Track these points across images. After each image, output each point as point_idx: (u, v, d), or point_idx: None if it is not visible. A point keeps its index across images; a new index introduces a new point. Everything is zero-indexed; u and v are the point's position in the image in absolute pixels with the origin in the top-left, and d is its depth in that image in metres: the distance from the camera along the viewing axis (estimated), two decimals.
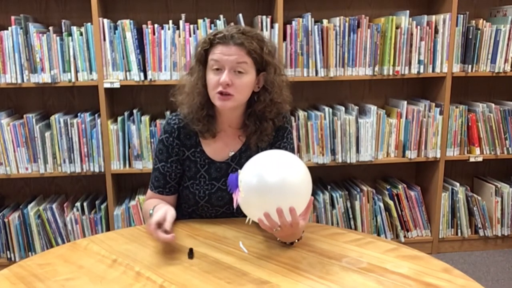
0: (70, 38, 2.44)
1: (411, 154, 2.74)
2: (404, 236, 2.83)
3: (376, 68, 2.62)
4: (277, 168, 1.21)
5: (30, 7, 2.64)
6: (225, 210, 1.56)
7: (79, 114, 2.55)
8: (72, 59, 2.45)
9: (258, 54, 1.43)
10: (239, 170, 1.27)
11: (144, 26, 2.47)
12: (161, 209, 1.37)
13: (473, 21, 2.69)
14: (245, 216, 1.30)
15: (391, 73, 2.64)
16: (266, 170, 1.21)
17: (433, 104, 2.72)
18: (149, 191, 1.59)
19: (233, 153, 1.54)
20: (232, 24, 2.50)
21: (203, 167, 1.53)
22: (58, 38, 2.43)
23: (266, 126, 1.51)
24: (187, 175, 1.55)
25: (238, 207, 1.28)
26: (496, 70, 2.70)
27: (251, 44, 1.41)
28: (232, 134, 1.54)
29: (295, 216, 1.22)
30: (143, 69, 2.50)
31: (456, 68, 2.68)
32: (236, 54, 1.40)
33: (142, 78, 2.50)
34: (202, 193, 1.53)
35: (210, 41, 1.43)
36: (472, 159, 2.78)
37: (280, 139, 1.57)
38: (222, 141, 1.54)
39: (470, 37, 2.65)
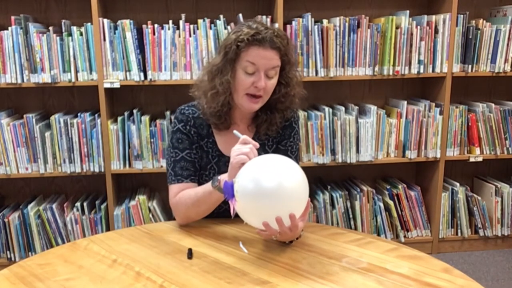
0: (70, 38, 2.44)
1: (411, 154, 2.74)
2: (404, 236, 2.83)
3: (376, 68, 2.62)
4: (273, 173, 1.21)
5: (30, 7, 2.64)
6: (228, 208, 1.56)
7: (79, 114, 2.55)
8: (72, 59, 2.45)
9: (286, 56, 1.47)
10: (234, 179, 1.25)
11: (144, 26, 2.47)
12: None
13: (473, 21, 2.69)
14: None
15: (391, 73, 2.64)
16: (262, 175, 1.20)
17: (433, 104, 2.72)
18: (175, 186, 1.52)
19: None
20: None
21: (214, 159, 1.55)
22: (58, 38, 2.43)
23: (276, 116, 1.54)
24: (200, 165, 1.57)
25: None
26: (496, 70, 2.70)
27: (284, 48, 1.45)
28: (243, 127, 1.57)
29: (295, 221, 1.22)
30: (143, 69, 2.50)
31: (456, 68, 2.68)
32: (272, 58, 1.42)
33: (142, 78, 2.50)
34: None
35: (248, 41, 1.42)
36: (472, 159, 2.78)
37: (287, 137, 1.61)
38: (233, 136, 1.54)
39: (470, 37, 2.65)
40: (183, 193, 1.49)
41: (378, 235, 2.78)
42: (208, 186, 1.43)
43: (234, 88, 1.47)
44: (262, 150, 1.57)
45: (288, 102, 1.54)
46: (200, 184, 1.56)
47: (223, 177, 1.37)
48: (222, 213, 1.56)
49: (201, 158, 1.56)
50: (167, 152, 1.58)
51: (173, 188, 1.53)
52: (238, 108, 1.54)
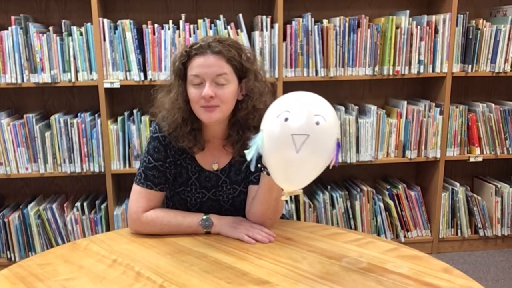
0: (70, 38, 2.44)
1: (411, 154, 2.74)
2: (404, 236, 2.83)
3: (376, 68, 2.62)
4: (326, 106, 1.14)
5: (30, 7, 2.64)
6: (228, 208, 1.56)
7: (79, 114, 2.55)
8: (72, 59, 2.45)
9: (237, 61, 1.39)
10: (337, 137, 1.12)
11: (144, 26, 2.47)
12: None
13: (473, 21, 2.69)
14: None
15: (391, 73, 2.64)
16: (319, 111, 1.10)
17: (433, 104, 2.72)
18: (143, 191, 1.46)
19: (217, 165, 1.51)
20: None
21: (194, 174, 1.51)
22: (58, 38, 2.43)
23: (249, 135, 1.41)
24: (179, 181, 1.52)
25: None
26: (496, 70, 2.70)
27: (229, 52, 1.37)
28: (218, 144, 1.50)
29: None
30: (143, 69, 2.50)
31: (456, 68, 2.68)
32: (215, 65, 1.36)
33: (142, 78, 2.50)
34: (194, 200, 1.52)
35: (187, 53, 1.38)
36: (472, 159, 2.78)
37: None
38: (209, 151, 1.50)
39: (470, 37, 2.65)
40: (158, 217, 1.44)
41: (378, 235, 2.78)
42: (194, 222, 1.43)
43: (191, 104, 1.41)
44: (244, 167, 1.51)
45: (258, 115, 1.39)
46: (177, 197, 1.54)
47: (216, 222, 1.42)
48: (224, 213, 1.56)
49: (181, 174, 1.51)
50: (142, 154, 1.53)
51: (141, 193, 1.46)
52: (209, 128, 1.47)
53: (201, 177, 1.51)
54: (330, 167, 1.12)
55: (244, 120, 1.45)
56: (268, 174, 1.29)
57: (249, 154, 1.14)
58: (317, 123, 1.07)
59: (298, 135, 1.05)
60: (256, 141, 1.13)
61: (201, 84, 1.37)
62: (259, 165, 1.30)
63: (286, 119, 1.07)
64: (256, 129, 1.40)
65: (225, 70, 1.37)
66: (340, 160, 2.67)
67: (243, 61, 1.41)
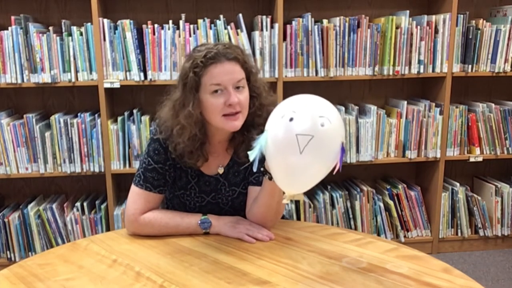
0: (70, 38, 2.44)
1: (411, 154, 2.74)
2: (404, 236, 2.83)
3: (376, 68, 2.62)
4: (330, 108, 1.12)
5: (30, 7, 2.64)
6: (228, 209, 1.55)
7: (79, 114, 2.55)
8: (72, 59, 2.45)
9: (246, 64, 1.41)
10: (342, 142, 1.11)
11: (144, 26, 2.47)
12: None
13: (473, 21, 2.69)
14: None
15: (391, 73, 2.64)
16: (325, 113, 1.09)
17: (433, 104, 2.72)
18: (142, 192, 1.45)
19: (222, 168, 1.50)
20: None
21: (194, 179, 1.50)
22: (58, 38, 2.43)
23: (253, 133, 1.42)
24: (178, 184, 1.51)
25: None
26: (496, 70, 2.70)
27: (241, 56, 1.38)
28: (221, 149, 1.50)
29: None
30: (143, 69, 2.50)
31: (456, 68, 2.68)
32: (234, 71, 1.36)
33: (142, 78, 2.50)
34: (193, 204, 1.52)
35: (203, 63, 1.34)
36: (472, 159, 2.78)
37: None
38: (211, 156, 1.50)
39: (470, 37, 2.65)
40: (156, 218, 1.43)
41: (378, 235, 2.78)
42: (192, 223, 1.42)
43: (208, 115, 1.39)
44: (242, 168, 1.51)
45: (265, 113, 1.39)
46: (176, 200, 1.54)
47: (215, 222, 1.42)
48: (223, 215, 1.55)
49: (180, 177, 1.50)
50: (142, 155, 1.51)
51: (140, 195, 1.45)
52: (215, 134, 1.46)
53: (200, 182, 1.51)
54: (334, 173, 1.11)
55: (251, 119, 1.45)
56: (270, 179, 1.29)
57: (252, 154, 1.13)
58: (322, 125, 1.07)
59: (302, 136, 1.05)
60: (259, 142, 1.13)
61: (221, 92, 1.35)
62: (262, 169, 1.30)
63: (291, 119, 1.08)
64: (261, 127, 1.39)
65: (242, 75, 1.39)
66: None
67: (249, 64, 1.43)
